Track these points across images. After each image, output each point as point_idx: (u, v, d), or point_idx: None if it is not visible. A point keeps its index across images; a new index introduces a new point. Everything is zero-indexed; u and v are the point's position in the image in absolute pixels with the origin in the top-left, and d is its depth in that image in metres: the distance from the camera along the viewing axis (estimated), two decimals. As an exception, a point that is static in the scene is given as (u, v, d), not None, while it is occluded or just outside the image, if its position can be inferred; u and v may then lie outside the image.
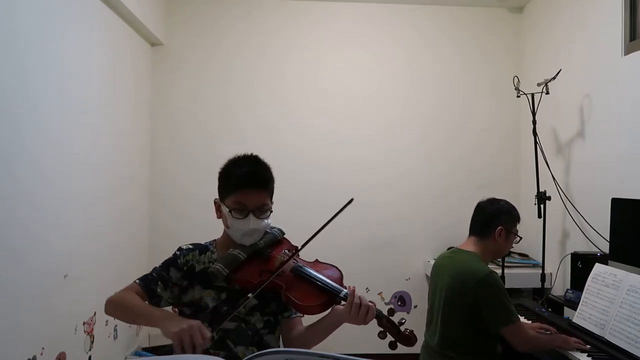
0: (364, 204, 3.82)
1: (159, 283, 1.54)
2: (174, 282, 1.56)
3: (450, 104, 3.92)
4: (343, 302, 1.46)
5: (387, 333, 1.44)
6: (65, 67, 2.43)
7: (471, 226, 2.35)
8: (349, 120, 3.85)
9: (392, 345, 1.44)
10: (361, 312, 1.42)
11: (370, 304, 1.44)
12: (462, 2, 3.85)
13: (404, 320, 1.45)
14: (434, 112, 3.91)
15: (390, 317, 1.46)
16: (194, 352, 1.28)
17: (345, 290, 1.47)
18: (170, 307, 1.59)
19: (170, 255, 1.62)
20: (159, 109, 3.80)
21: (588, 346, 2.05)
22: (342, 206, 1.47)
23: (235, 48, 3.83)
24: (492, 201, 2.34)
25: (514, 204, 2.38)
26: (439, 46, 3.92)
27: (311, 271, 1.54)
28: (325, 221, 1.46)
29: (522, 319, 2.36)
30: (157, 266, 1.60)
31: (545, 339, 2.13)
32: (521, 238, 2.35)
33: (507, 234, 2.27)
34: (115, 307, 1.51)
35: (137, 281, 1.55)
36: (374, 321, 1.45)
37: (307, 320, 1.59)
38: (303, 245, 1.53)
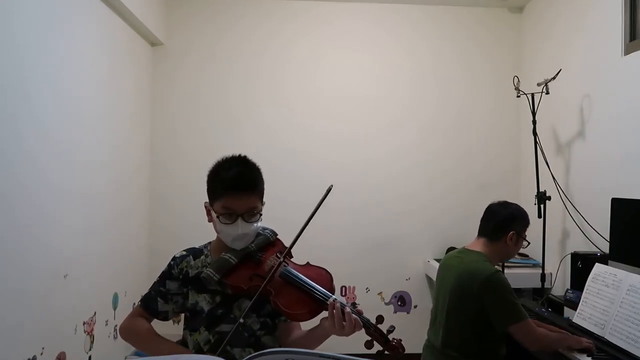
0: (364, 204, 3.83)
1: (159, 299, 1.56)
2: (173, 293, 1.56)
3: (450, 103, 3.91)
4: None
5: (375, 342, 1.40)
6: (65, 67, 2.43)
7: (481, 228, 2.34)
8: (350, 120, 3.85)
9: (379, 356, 1.38)
10: (347, 326, 1.36)
11: (354, 316, 1.37)
12: (462, 2, 3.85)
13: (392, 328, 1.41)
14: (434, 112, 3.90)
15: (378, 326, 1.41)
16: None
17: (334, 296, 1.43)
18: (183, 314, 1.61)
19: (166, 261, 1.62)
20: (159, 109, 3.80)
21: (597, 352, 2.02)
22: (322, 196, 1.50)
23: (235, 48, 3.82)
24: (505, 205, 2.34)
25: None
26: (439, 46, 3.91)
27: (300, 276, 1.50)
28: (309, 217, 1.48)
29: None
30: (155, 280, 1.60)
31: (556, 337, 2.10)
32: (529, 243, 2.35)
33: (517, 239, 2.28)
34: (128, 336, 1.59)
35: (139, 303, 1.60)
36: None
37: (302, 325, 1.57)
38: (292, 245, 1.52)
